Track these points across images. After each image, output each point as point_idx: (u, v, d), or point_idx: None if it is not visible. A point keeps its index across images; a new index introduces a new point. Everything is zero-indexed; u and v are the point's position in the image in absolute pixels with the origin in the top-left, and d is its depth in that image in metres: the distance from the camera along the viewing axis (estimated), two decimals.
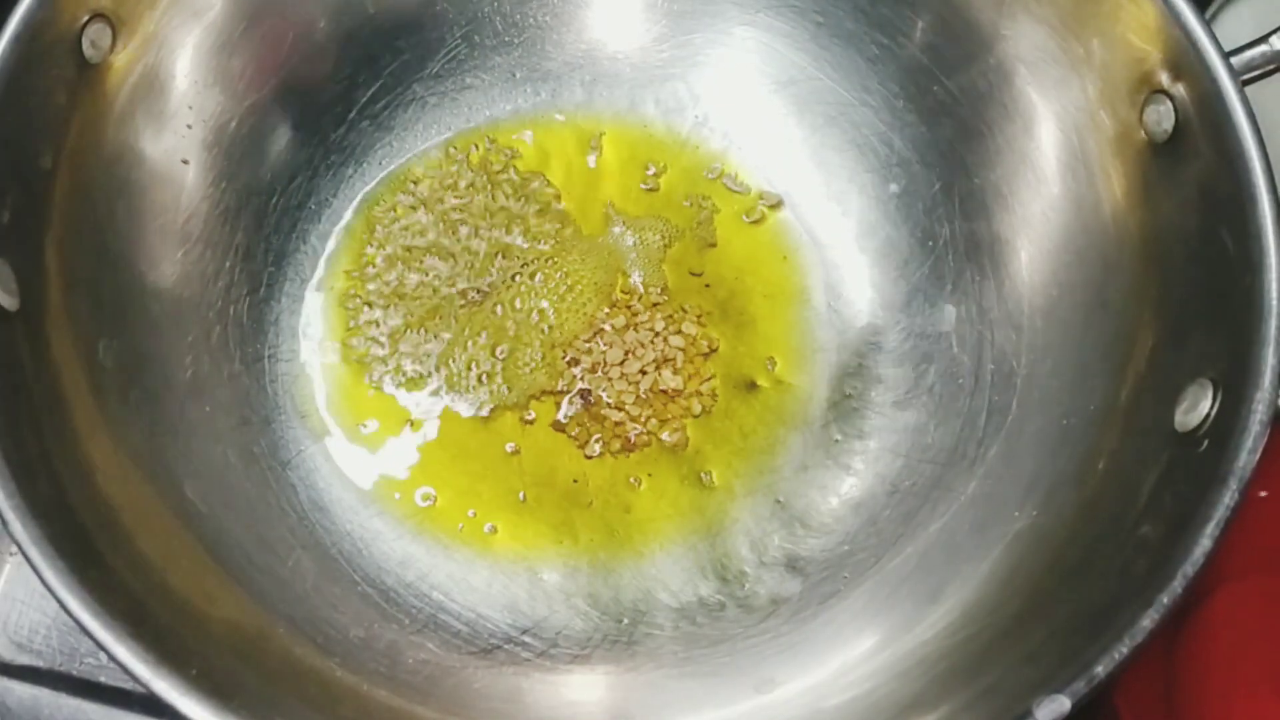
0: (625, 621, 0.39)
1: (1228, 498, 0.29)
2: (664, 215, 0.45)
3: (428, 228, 0.44)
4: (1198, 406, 0.32)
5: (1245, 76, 0.34)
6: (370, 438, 0.41)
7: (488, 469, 0.41)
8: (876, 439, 0.41)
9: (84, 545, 0.29)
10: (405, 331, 0.42)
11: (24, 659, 0.38)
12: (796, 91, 0.45)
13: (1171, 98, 0.34)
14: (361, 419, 0.41)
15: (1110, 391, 0.35)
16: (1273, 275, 0.31)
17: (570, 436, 0.41)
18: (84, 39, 0.34)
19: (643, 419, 0.41)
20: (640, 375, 0.42)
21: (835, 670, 0.36)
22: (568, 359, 0.42)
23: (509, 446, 0.41)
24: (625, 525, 0.40)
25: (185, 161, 0.39)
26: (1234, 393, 0.30)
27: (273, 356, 0.41)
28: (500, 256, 0.44)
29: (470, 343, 0.42)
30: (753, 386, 0.42)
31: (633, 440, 0.41)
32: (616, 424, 0.41)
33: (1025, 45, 0.39)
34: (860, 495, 0.41)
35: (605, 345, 0.42)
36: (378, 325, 0.42)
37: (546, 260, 0.44)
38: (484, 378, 0.42)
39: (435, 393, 0.42)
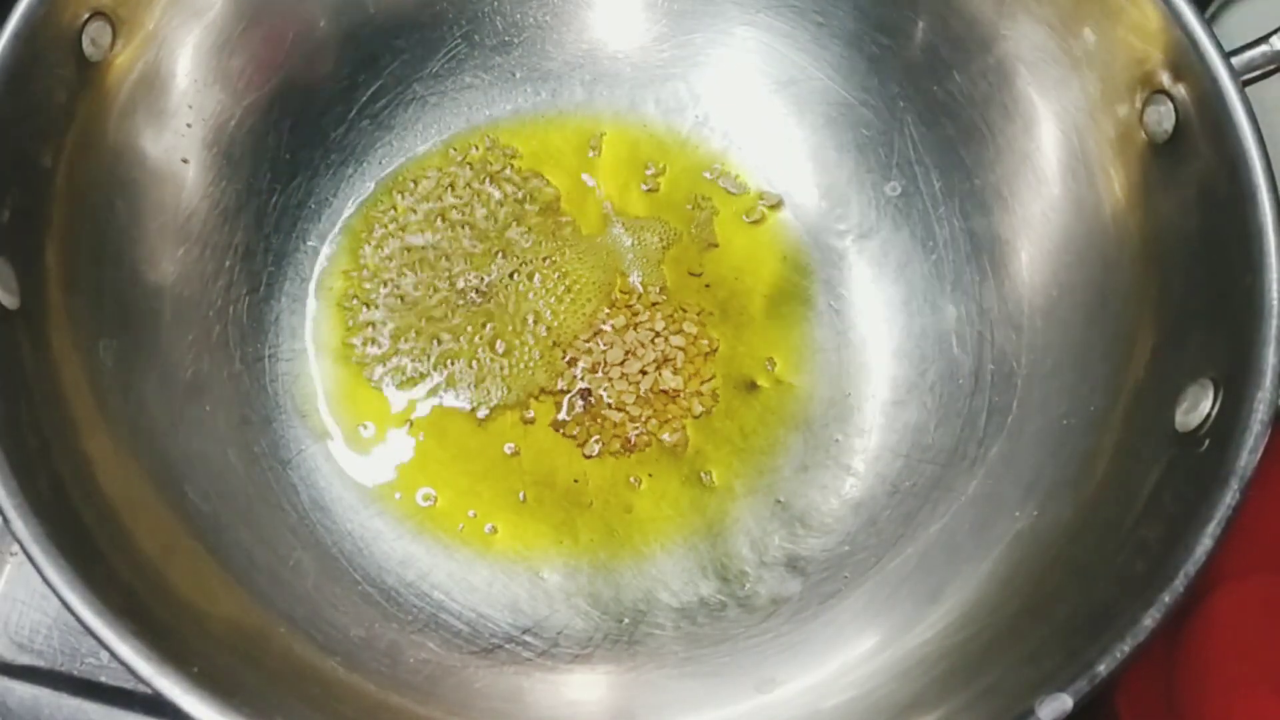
0: (626, 621, 0.39)
1: (1228, 497, 0.29)
2: (663, 216, 0.45)
3: (427, 227, 0.44)
4: (1198, 406, 0.32)
5: (1245, 76, 0.34)
6: (370, 438, 0.41)
7: (488, 469, 0.41)
8: (877, 439, 0.41)
9: (85, 543, 0.29)
10: (405, 331, 0.42)
11: (25, 659, 0.38)
12: (797, 91, 0.45)
13: (1172, 98, 0.34)
14: (362, 419, 0.41)
15: (1111, 391, 0.35)
16: (1273, 275, 0.31)
17: (570, 436, 0.41)
18: (84, 37, 0.34)
19: (643, 419, 0.41)
20: (640, 375, 0.42)
21: (836, 670, 0.36)
22: (567, 359, 0.42)
23: (509, 447, 0.41)
24: (626, 525, 0.40)
25: (185, 160, 0.39)
26: (1234, 392, 0.31)
27: (273, 356, 0.41)
28: (500, 256, 0.44)
29: (470, 342, 0.42)
30: (753, 386, 0.42)
31: (633, 440, 0.41)
32: (616, 424, 0.41)
33: (1025, 45, 0.39)
34: (860, 495, 0.41)
35: (605, 345, 0.42)
36: (378, 325, 0.42)
37: (546, 260, 0.44)
38: (484, 377, 0.42)
39: (435, 392, 0.42)
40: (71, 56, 0.34)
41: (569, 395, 0.42)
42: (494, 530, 0.40)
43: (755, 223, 0.45)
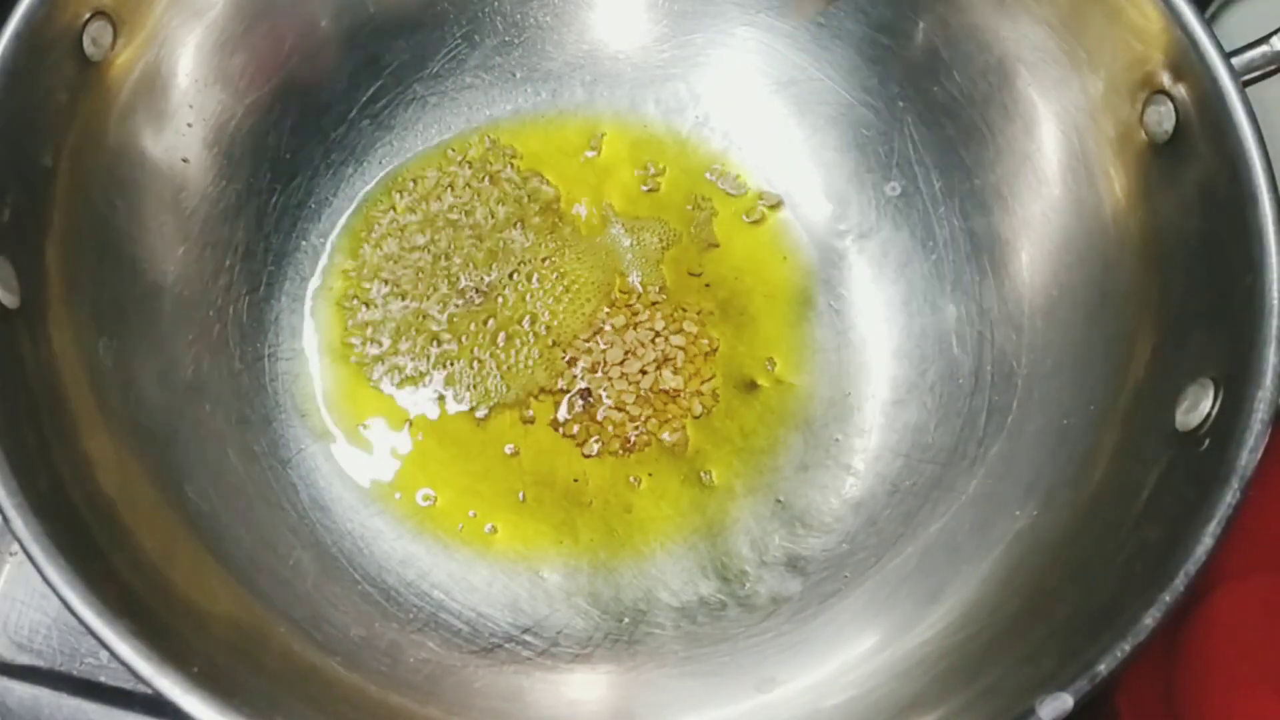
0: (626, 620, 0.39)
1: (1229, 497, 0.29)
2: (663, 216, 0.45)
3: (427, 227, 0.44)
4: (1198, 406, 0.32)
5: (1245, 77, 0.34)
6: (370, 437, 0.41)
7: (488, 469, 0.41)
8: (877, 439, 0.41)
9: (85, 543, 0.29)
10: (405, 331, 0.42)
11: (24, 659, 0.38)
12: (797, 92, 0.45)
13: (1172, 98, 0.34)
14: (361, 418, 0.41)
15: (1111, 391, 0.35)
16: (1273, 275, 0.31)
17: (570, 436, 0.41)
18: (85, 37, 0.34)
19: (642, 419, 0.41)
20: (640, 375, 0.42)
21: (836, 669, 0.36)
22: (567, 358, 0.42)
23: (509, 447, 0.41)
24: (626, 525, 0.40)
25: (186, 160, 0.39)
26: (1235, 392, 0.31)
27: (273, 355, 0.41)
28: (499, 256, 0.44)
29: (470, 342, 0.42)
30: (753, 386, 0.42)
31: (632, 440, 0.41)
32: (616, 424, 0.41)
33: (1025, 45, 0.39)
34: (860, 495, 0.41)
35: (605, 345, 0.42)
36: (377, 324, 0.42)
37: (545, 260, 0.44)
38: (483, 377, 0.42)
39: (435, 392, 0.42)
40: (72, 56, 0.34)
41: (569, 395, 0.42)
42: (494, 530, 0.40)
43: (755, 223, 0.45)
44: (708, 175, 0.45)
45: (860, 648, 0.36)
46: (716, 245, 0.44)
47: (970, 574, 0.36)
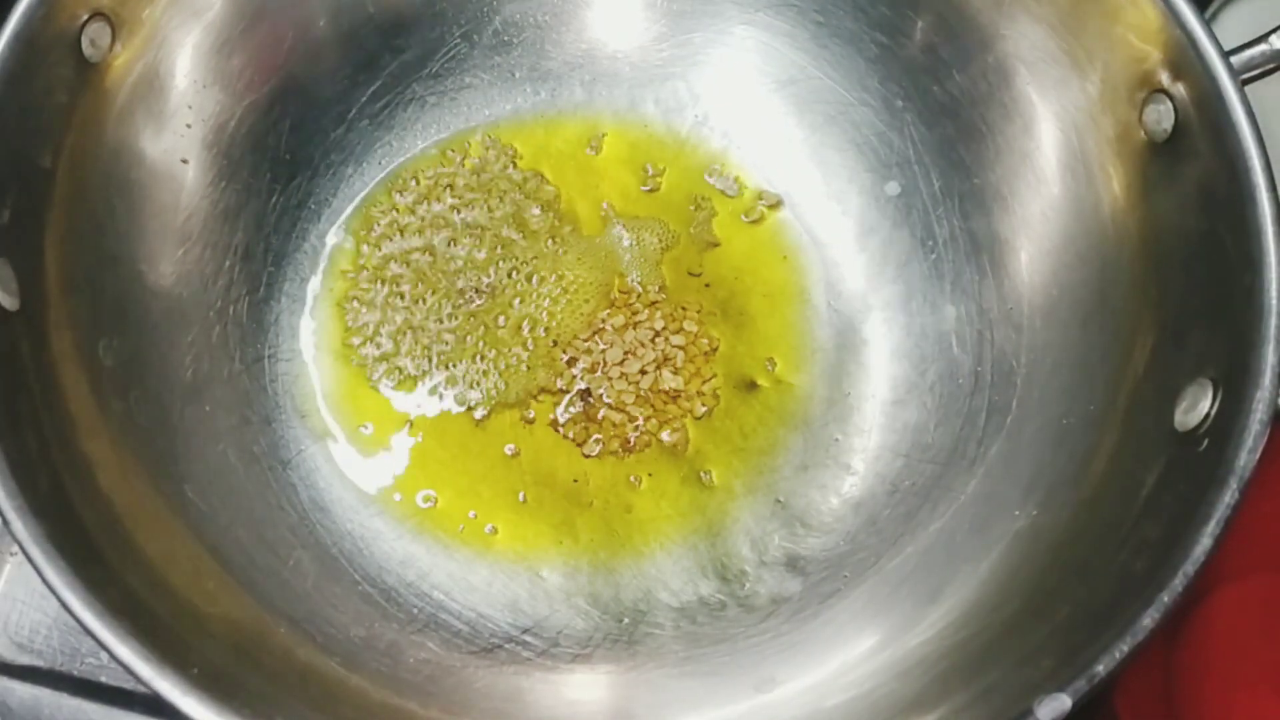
0: (626, 621, 0.39)
1: (1228, 497, 0.29)
2: (663, 216, 0.45)
3: (427, 227, 0.44)
4: (1198, 406, 0.32)
5: (1245, 76, 0.34)
6: (370, 438, 0.41)
7: (488, 469, 0.41)
8: (876, 438, 0.41)
9: (85, 544, 0.29)
10: (404, 331, 0.42)
11: (24, 659, 0.38)
12: (796, 91, 0.45)
13: (1171, 97, 0.34)
14: (361, 419, 0.41)
15: (1110, 391, 0.35)
16: (1272, 274, 0.31)
17: (570, 437, 0.41)
18: (84, 38, 0.34)
19: (642, 419, 0.41)
20: (640, 375, 0.42)
21: (835, 670, 0.36)
22: (567, 358, 0.42)
23: (509, 447, 0.41)
24: (625, 525, 0.40)
25: (185, 161, 0.39)
26: (1234, 392, 0.31)
27: (273, 356, 0.41)
28: (499, 256, 0.44)
29: (469, 342, 0.42)
30: (752, 386, 0.42)
31: (632, 440, 0.41)
32: (616, 424, 0.41)
33: (1025, 45, 0.39)
34: (860, 495, 0.41)
35: (605, 345, 0.42)
36: (377, 325, 0.42)
37: (545, 260, 0.44)
38: (483, 377, 0.42)
39: (435, 392, 0.42)
40: (71, 57, 0.34)
41: (569, 395, 0.42)
42: (494, 530, 0.40)
43: (755, 222, 0.45)
44: (707, 175, 0.45)
45: (860, 648, 0.36)
46: (716, 245, 0.44)
47: (969, 574, 0.36)
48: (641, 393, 0.42)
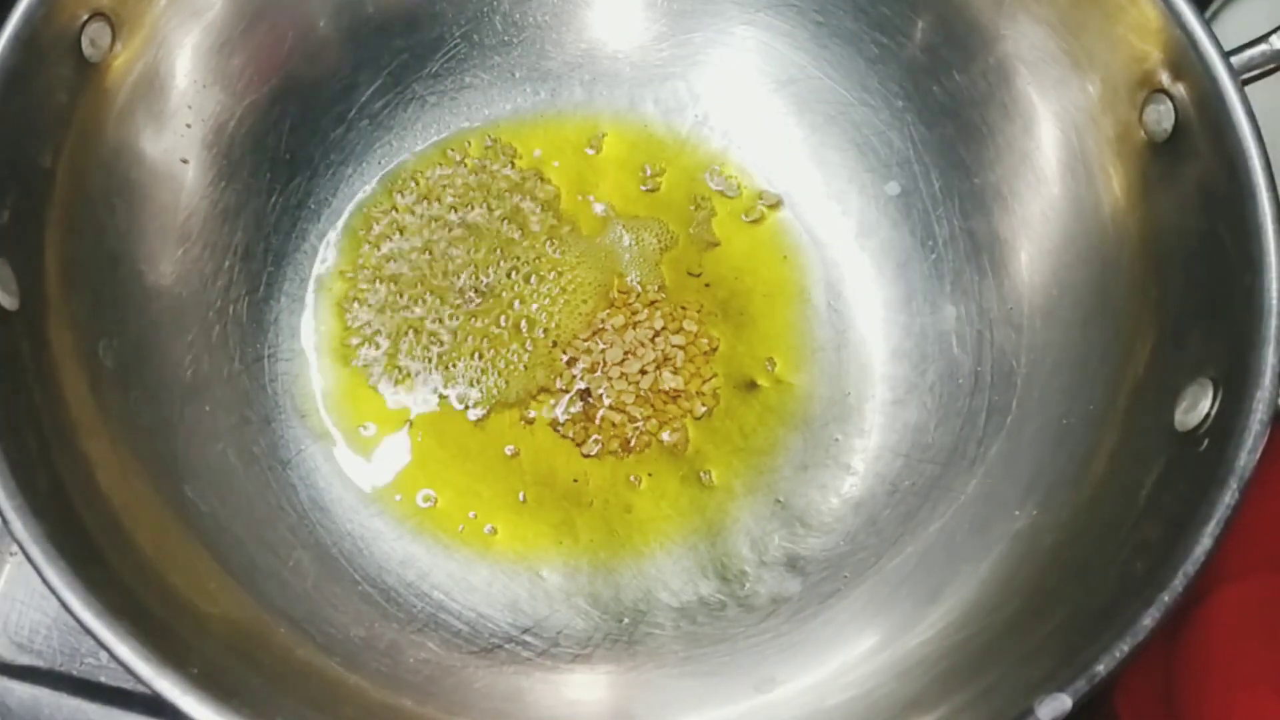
0: (626, 621, 0.39)
1: (1228, 497, 0.29)
2: (663, 216, 0.45)
3: (426, 227, 0.44)
4: (1198, 406, 0.32)
5: (1245, 76, 0.34)
6: (370, 438, 0.41)
7: (488, 469, 0.41)
8: (876, 438, 0.41)
9: (84, 544, 0.29)
10: (404, 331, 0.42)
11: (24, 659, 0.38)
12: (796, 91, 0.45)
13: (1171, 97, 0.34)
14: (361, 419, 0.41)
15: (1110, 391, 0.35)
16: (1272, 274, 0.31)
17: (569, 436, 0.41)
18: (84, 38, 0.34)
19: (642, 419, 0.41)
20: (640, 375, 0.42)
21: (835, 670, 0.36)
22: (567, 358, 0.42)
23: (509, 447, 0.41)
24: (625, 525, 0.40)
25: (185, 161, 0.39)
26: (1234, 392, 0.31)
27: (272, 356, 0.41)
28: (499, 256, 0.44)
29: (469, 342, 0.42)
30: (752, 386, 0.42)
31: (632, 441, 0.41)
32: (616, 424, 0.41)
33: (1025, 45, 0.39)
34: (860, 495, 0.41)
35: (605, 344, 0.42)
36: (377, 325, 0.42)
37: (544, 260, 0.44)
38: (483, 377, 0.42)
39: (434, 392, 0.42)
40: (71, 57, 0.34)
41: (568, 395, 0.42)
42: (494, 530, 0.40)
43: (755, 222, 0.45)
44: (707, 175, 0.45)
45: (860, 648, 0.36)
46: (716, 245, 0.44)
47: (969, 574, 0.36)
48: (641, 393, 0.42)
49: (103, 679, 0.38)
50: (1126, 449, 0.34)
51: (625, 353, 0.42)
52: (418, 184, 0.44)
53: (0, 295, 0.31)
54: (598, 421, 0.41)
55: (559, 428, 0.41)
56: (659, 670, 0.37)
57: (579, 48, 0.46)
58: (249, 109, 0.41)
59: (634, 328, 0.43)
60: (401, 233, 0.44)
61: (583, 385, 0.42)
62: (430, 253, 0.43)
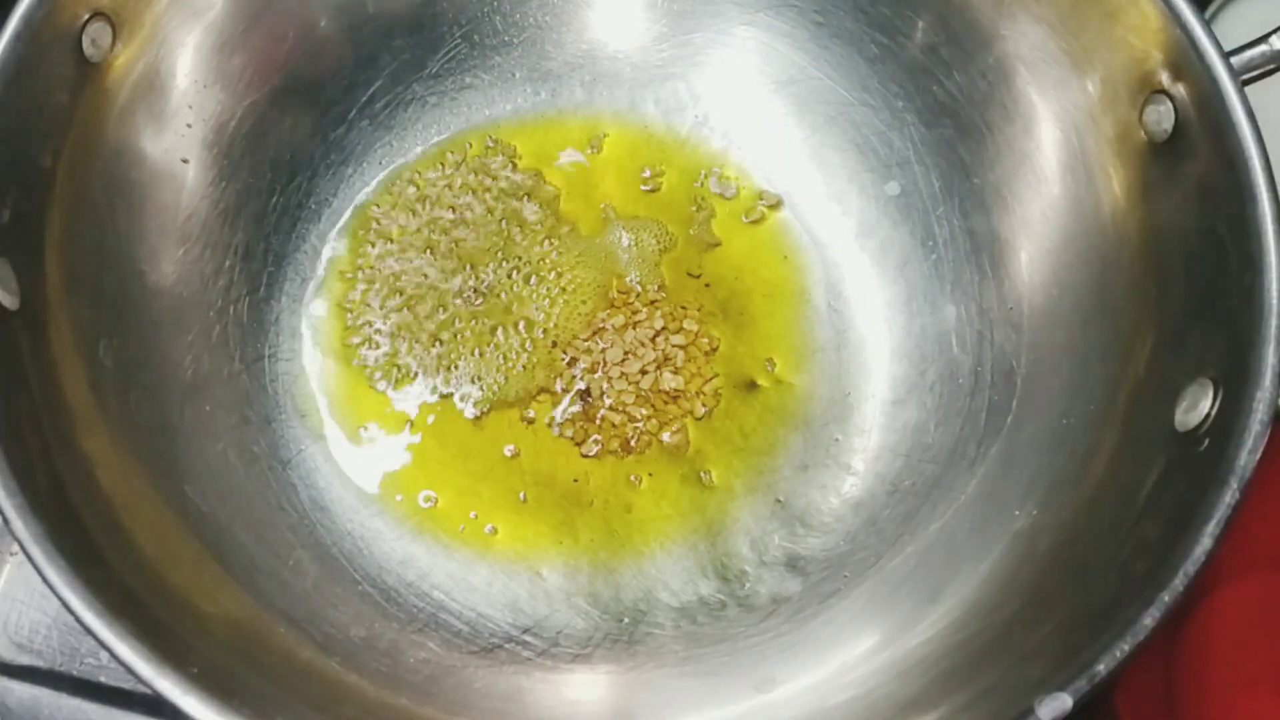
0: (626, 621, 0.39)
1: (1228, 497, 0.29)
2: (663, 216, 0.45)
3: (426, 227, 0.44)
4: (1198, 406, 0.32)
5: (1245, 76, 0.34)
6: (370, 438, 0.41)
7: (488, 469, 0.41)
8: (876, 438, 0.41)
9: (85, 543, 0.29)
10: (404, 331, 0.42)
11: (24, 659, 0.38)
12: (796, 91, 0.45)
13: (1171, 98, 0.34)
14: (361, 419, 0.41)
15: (1110, 391, 0.35)
16: (1273, 274, 0.31)
17: (569, 436, 0.41)
18: (84, 38, 0.34)
19: (642, 419, 0.41)
20: (640, 375, 0.42)
21: (836, 669, 0.36)
22: (567, 359, 0.42)
23: (509, 448, 0.41)
24: (626, 525, 0.40)
25: (185, 161, 0.39)
26: (1234, 392, 0.31)
27: (273, 356, 0.41)
28: (499, 256, 0.44)
29: (469, 342, 0.42)
30: (753, 386, 0.42)
31: (632, 441, 0.41)
32: (616, 424, 0.41)
33: (1025, 45, 0.39)
34: (860, 495, 0.41)
35: (605, 345, 0.42)
36: (377, 325, 0.42)
37: (545, 260, 0.44)
38: (483, 378, 0.42)
39: (434, 392, 0.42)
40: (71, 57, 0.34)
41: (568, 395, 0.42)
42: (494, 530, 0.40)
43: (755, 222, 0.45)
44: (707, 175, 0.45)
45: (860, 648, 0.36)
46: (716, 245, 0.44)
47: (970, 574, 0.36)
48: (641, 393, 0.42)
49: (103, 679, 0.38)
50: (1126, 449, 0.34)
51: (625, 353, 0.42)
52: (418, 184, 0.44)
53: (1, 295, 0.31)
54: (598, 421, 0.42)
55: (559, 428, 0.41)
56: (659, 670, 0.37)
57: (579, 48, 0.46)
58: (250, 109, 0.41)
59: (634, 328, 0.43)
60: (402, 233, 0.44)
61: (583, 385, 0.42)
62: (431, 253, 0.43)
